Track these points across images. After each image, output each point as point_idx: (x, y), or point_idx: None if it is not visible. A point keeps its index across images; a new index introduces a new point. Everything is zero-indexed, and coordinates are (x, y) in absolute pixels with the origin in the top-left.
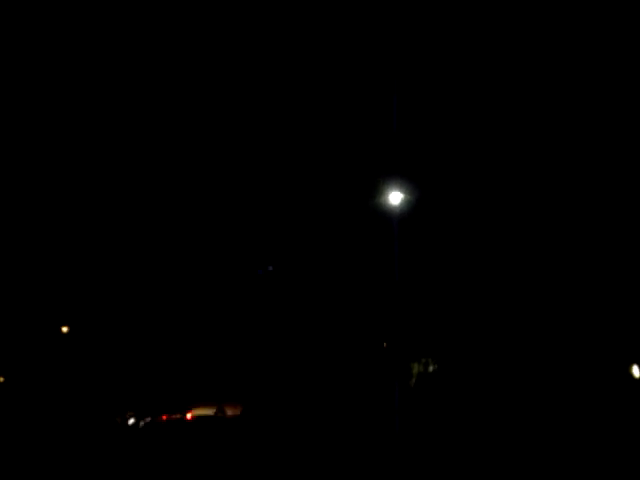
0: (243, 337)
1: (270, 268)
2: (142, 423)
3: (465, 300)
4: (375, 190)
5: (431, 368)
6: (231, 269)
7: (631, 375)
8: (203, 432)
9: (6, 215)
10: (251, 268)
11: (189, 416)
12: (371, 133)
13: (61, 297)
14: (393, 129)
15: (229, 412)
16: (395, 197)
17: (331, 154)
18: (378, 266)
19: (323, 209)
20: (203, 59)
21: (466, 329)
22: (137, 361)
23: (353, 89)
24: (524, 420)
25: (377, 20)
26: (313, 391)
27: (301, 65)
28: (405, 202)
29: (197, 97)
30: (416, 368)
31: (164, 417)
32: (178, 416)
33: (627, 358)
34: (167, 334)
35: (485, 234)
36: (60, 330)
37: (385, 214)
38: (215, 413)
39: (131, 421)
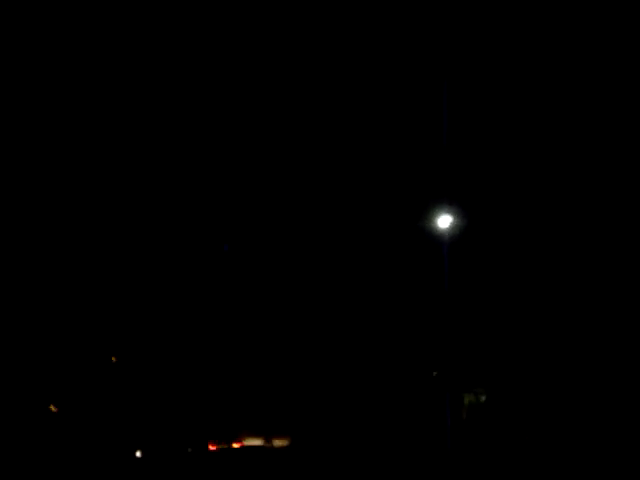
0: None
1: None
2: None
3: (519, 327)
4: (422, 212)
5: (483, 399)
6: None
7: None
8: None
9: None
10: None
11: (236, 446)
12: (418, 148)
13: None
14: (443, 143)
15: (277, 443)
16: (444, 221)
17: (372, 170)
18: (427, 291)
19: (367, 231)
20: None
21: (521, 358)
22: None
23: (398, 96)
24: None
25: (424, 18)
26: (362, 422)
27: (340, 72)
28: (455, 226)
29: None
30: (467, 399)
31: (214, 446)
32: (225, 446)
33: None
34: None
35: (543, 259)
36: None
37: (433, 238)
38: (264, 443)
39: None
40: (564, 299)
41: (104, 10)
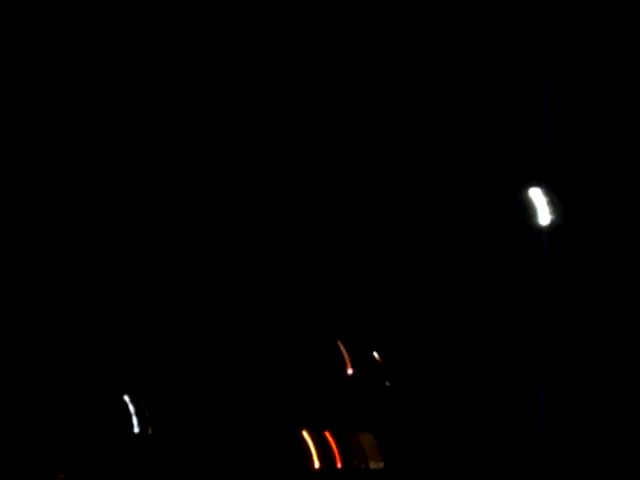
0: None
1: None
2: None
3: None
4: (521, 209)
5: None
6: None
7: None
8: None
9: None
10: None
11: None
12: (517, 144)
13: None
14: (543, 140)
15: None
16: (544, 217)
17: (467, 166)
18: (524, 293)
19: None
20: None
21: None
22: None
23: (496, 88)
24: None
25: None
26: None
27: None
28: (555, 223)
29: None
30: None
31: None
32: None
33: None
34: None
35: None
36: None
37: (532, 236)
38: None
39: None
40: None
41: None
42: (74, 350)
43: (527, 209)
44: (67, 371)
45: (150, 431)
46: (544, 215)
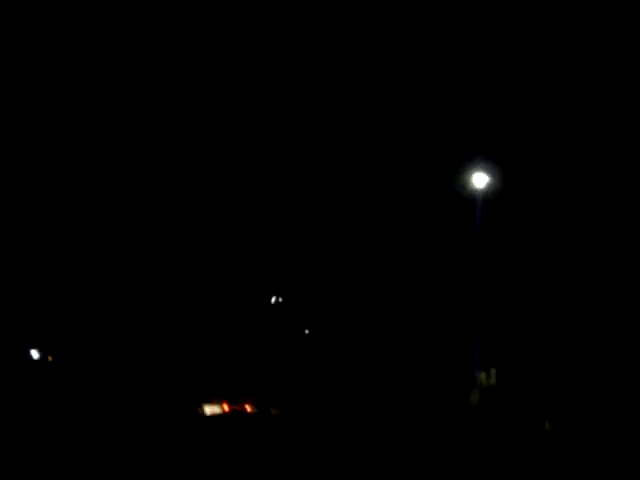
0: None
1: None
2: None
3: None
4: (456, 171)
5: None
6: None
7: None
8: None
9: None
10: None
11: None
12: (451, 102)
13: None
14: (476, 95)
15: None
16: (479, 179)
17: (407, 128)
18: (457, 259)
19: (400, 191)
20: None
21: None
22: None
23: (432, 50)
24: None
25: None
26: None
27: (376, 23)
28: (491, 185)
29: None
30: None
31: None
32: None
33: None
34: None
35: (579, 224)
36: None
37: (468, 199)
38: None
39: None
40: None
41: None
42: None
43: (463, 174)
44: None
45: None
46: (480, 178)
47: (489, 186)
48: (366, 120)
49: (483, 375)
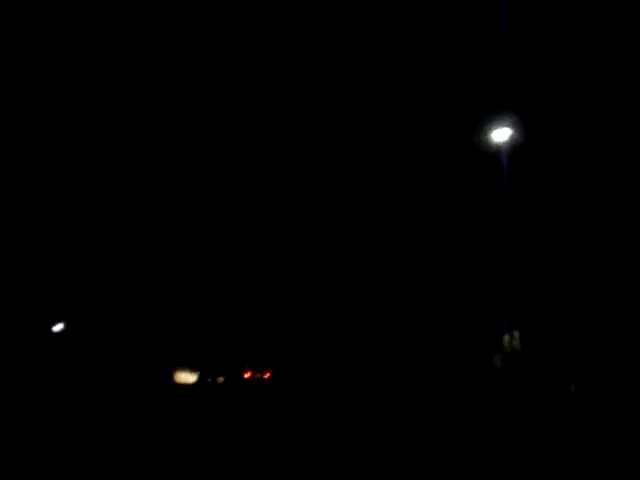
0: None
1: None
2: None
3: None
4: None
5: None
6: None
7: None
8: None
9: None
10: None
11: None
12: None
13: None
14: (501, 40)
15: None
16: (501, 134)
17: (423, 77)
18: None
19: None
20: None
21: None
22: None
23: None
24: None
25: None
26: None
27: None
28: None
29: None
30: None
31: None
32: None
33: None
34: None
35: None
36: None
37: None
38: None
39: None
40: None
41: (104, 10)
42: None
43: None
44: None
45: None
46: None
47: (512, 140)
48: (382, 75)
49: (507, 338)
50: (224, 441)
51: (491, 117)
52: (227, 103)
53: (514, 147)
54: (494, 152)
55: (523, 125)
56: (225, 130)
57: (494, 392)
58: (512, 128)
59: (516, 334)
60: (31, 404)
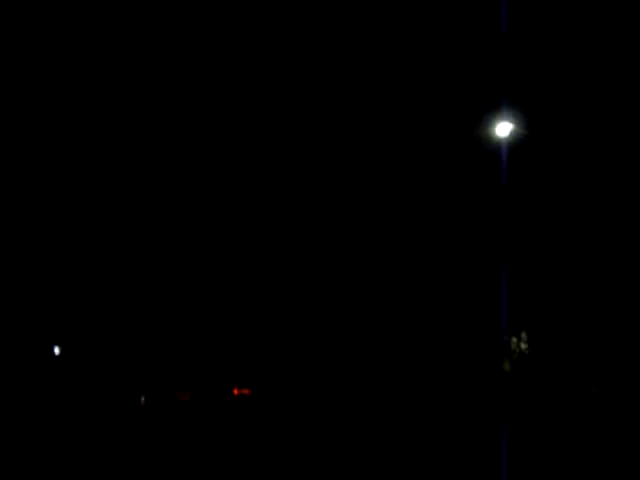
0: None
1: None
2: None
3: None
4: (476, 120)
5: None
6: None
7: None
8: None
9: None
10: None
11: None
12: (472, 43)
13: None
14: (501, 38)
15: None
16: (503, 128)
17: (424, 72)
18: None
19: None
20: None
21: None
22: None
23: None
24: None
25: None
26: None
27: None
28: (515, 134)
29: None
30: (515, 346)
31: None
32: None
33: None
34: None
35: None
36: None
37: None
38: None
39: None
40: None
41: (104, 10)
42: None
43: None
44: None
45: None
46: (504, 126)
47: (514, 134)
48: (383, 68)
49: (514, 340)
50: (216, 451)
51: (493, 112)
52: (227, 103)
53: (515, 142)
54: (495, 147)
55: (525, 120)
56: (225, 130)
57: (504, 396)
58: (514, 123)
59: (523, 336)
60: (30, 410)
